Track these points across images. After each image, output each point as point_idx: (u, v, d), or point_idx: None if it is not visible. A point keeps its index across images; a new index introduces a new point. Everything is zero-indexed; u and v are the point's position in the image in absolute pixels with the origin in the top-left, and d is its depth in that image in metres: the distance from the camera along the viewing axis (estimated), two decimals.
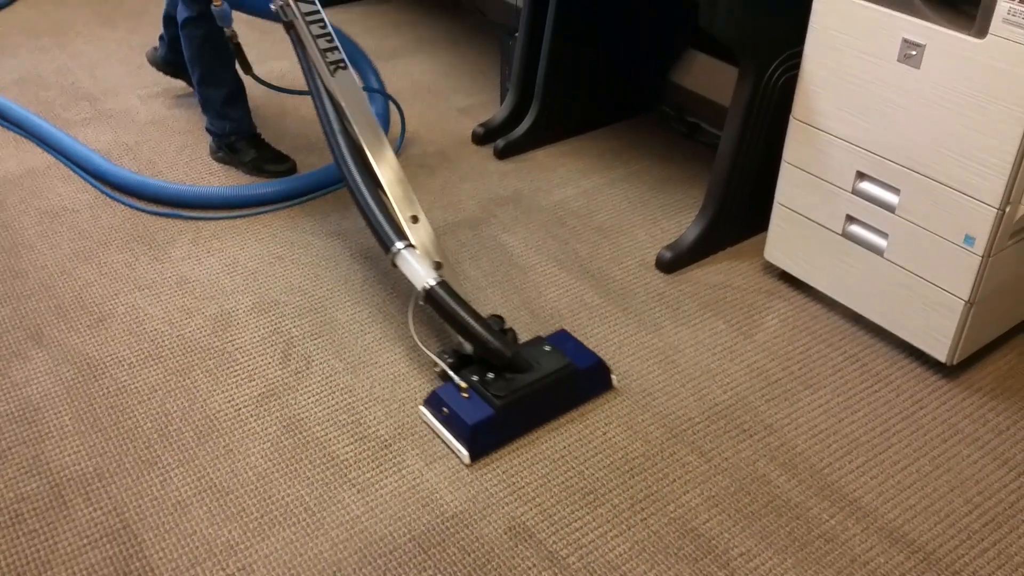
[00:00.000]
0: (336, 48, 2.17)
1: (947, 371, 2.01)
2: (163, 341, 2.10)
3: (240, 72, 2.58)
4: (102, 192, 2.61)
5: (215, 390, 1.97)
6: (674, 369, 2.03)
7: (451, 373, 1.86)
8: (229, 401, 1.94)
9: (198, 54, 2.58)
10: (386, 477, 1.78)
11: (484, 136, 2.87)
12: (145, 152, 2.80)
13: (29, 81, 3.21)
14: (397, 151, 2.78)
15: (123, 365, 2.03)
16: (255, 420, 1.90)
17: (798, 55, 2.00)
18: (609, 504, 1.72)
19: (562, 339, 2.00)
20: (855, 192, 1.98)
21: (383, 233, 1.98)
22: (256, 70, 2.51)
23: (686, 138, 2.91)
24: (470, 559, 1.62)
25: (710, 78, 2.81)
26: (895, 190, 1.90)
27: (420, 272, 1.91)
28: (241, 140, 2.70)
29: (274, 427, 1.88)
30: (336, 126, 2.13)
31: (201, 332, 2.12)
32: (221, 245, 2.42)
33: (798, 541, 1.66)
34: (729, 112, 2.20)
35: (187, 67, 2.67)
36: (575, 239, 2.46)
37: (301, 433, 1.87)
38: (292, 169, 2.70)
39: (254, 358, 2.05)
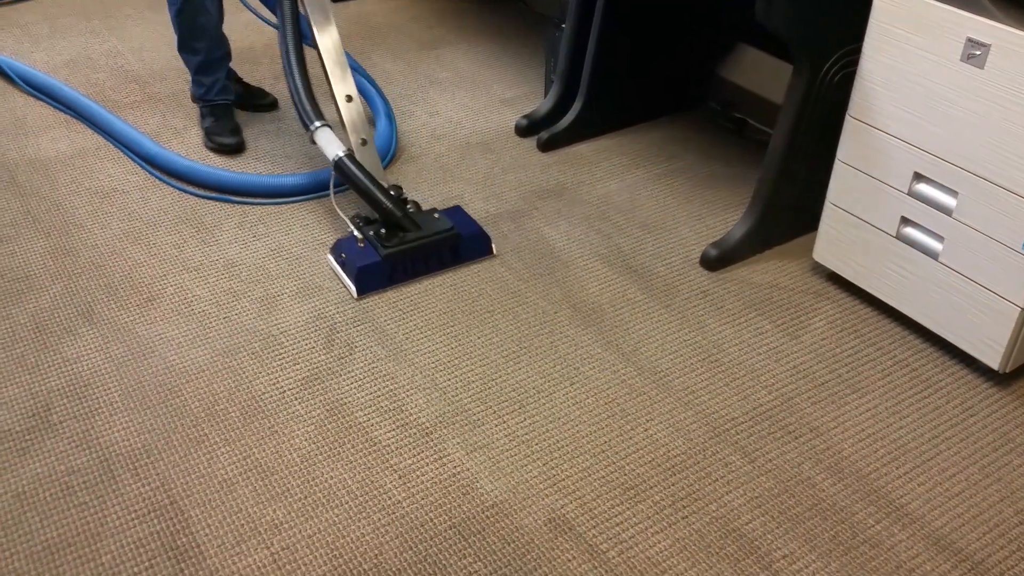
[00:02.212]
0: None
1: (999, 379, 1.98)
2: (210, 322, 2.12)
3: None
4: (151, 174, 2.64)
5: (260, 372, 1.98)
6: (717, 368, 2.02)
7: (353, 228, 2.24)
8: (274, 384, 1.96)
9: (177, 19, 2.68)
10: (427, 464, 1.78)
11: (527, 128, 2.87)
12: (193, 136, 2.83)
13: (80, 63, 3.25)
14: (391, 153, 2.79)
15: (172, 344, 2.05)
16: (299, 403, 1.91)
17: (856, 52, 1.97)
18: (650, 500, 1.72)
19: (453, 211, 2.35)
20: (911, 194, 1.96)
21: (304, 113, 2.30)
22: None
23: (733, 134, 2.88)
24: (510, 549, 1.63)
25: (760, 73, 2.78)
26: (953, 193, 1.87)
27: (332, 147, 2.23)
28: (206, 107, 2.80)
29: (318, 410, 1.89)
30: (287, 8, 2.34)
31: (247, 315, 2.14)
32: (267, 230, 2.43)
33: (843, 545, 1.64)
34: (782, 108, 2.18)
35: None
36: (618, 234, 2.44)
37: (344, 417, 1.88)
38: (239, 146, 2.76)
39: (298, 342, 2.07)
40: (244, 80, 3.00)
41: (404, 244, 2.20)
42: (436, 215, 2.28)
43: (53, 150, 2.75)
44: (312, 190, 2.57)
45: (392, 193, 2.25)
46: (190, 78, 2.84)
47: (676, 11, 2.75)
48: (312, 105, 2.31)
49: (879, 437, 1.85)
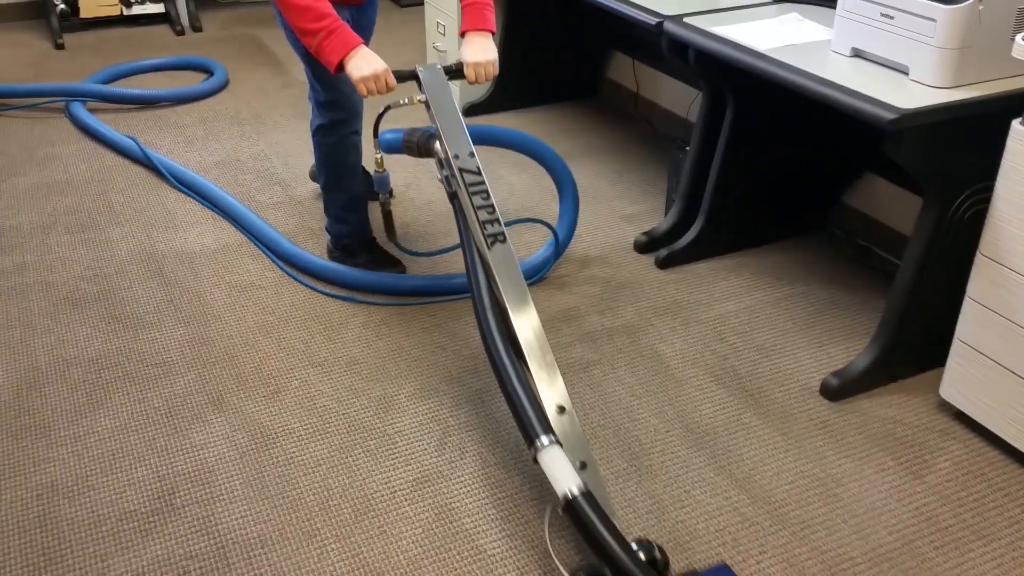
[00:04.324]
0: (497, 220, 2.08)
1: None
2: (330, 417, 2.19)
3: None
4: (285, 272, 2.79)
5: (374, 470, 2.03)
6: (836, 503, 1.95)
7: None
8: (386, 483, 2.00)
9: (325, 161, 2.68)
10: (531, 571, 1.77)
11: (647, 245, 2.91)
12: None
13: (229, 164, 3.50)
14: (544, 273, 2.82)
15: (293, 437, 2.13)
16: (409, 504, 1.94)
17: (989, 189, 1.95)
18: None
19: (718, 573, 1.73)
20: None
21: (529, 424, 1.78)
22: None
23: (856, 262, 2.85)
24: None
25: (886, 202, 2.76)
26: None
27: (563, 476, 1.69)
28: (355, 243, 2.78)
29: (427, 513, 1.92)
30: (487, 301, 1.99)
31: (365, 412, 2.21)
32: (389, 331, 2.53)
33: None
34: (910, 241, 2.15)
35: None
36: (734, 356, 2.43)
37: (452, 523, 1.90)
38: (402, 272, 2.75)
39: (412, 443, 2.12)
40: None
41: None
42: None
43: (199, 244, 2.95)
44: (435, 293, 2.66)
45: (641, 554, 1.65)
46: (327, 223, 2.80)
47: (803, 137, 2.77)
48: (538, 415, 1.79)
49: None
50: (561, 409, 1.85)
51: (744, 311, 2.62)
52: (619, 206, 3.21)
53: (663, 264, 2.83)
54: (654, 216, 3.11)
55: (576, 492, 1.66)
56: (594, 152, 3.62)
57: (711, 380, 2.33)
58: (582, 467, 1.79)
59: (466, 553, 1.83)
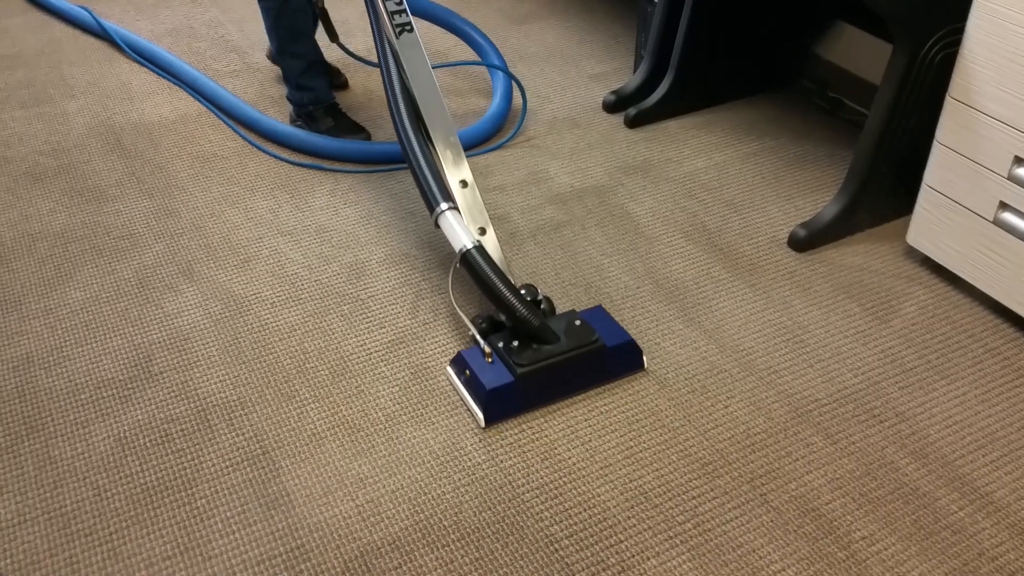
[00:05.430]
0: (404, 11, 2.18)
1: None
2: (302, 284, 2.19)
3: (324, 41, 2.59)
4: (248, 141, 2.73)
5: (349, 333, 2.05)
6: (802, 349, 2.00)
7: (478, 337, 1.89)
8: (361, 345, 2.02)
9: (274, 26, 2.61)
10: (508, 429, 1.82)
11: (615, 104, 2.86)
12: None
13: (182, 32, 3.36)
14: (518, 128, 2.78)
15: (266, 304, 2.13)
16: (385, 365, 1.97)
17: (959, 31, 1.91)
18: (728, 476, 1.72)
19: (596, 315, 1.97)
20: (1010, 178, 1.90)
21: (430, 192, 1.99)
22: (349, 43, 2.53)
23: (827, 114, 2.83)
24: (585, 515, 1.65)
25: (858, 52, 2.71)
26: None
27: (459, 234, 1.91)
28: (319, 109, 2.71)
29: (403, 373, 1.95)
30: (397, 86, 2.14)
31: (337, 279, 2.21)
32: (357, 198, 2.50)
33: (924, 530, 1.62)
34: (880, 88, 2.13)
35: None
36: (704, 212, 2.43)
37: (428, 381, 1.93)
38: (367, 139, 2.71)
39: (385, 307, 2.13)
40: None
41: (542, 360, 1.84)
42: (577, 321, 1.91)
43: (156, 115, 2.87)
44: (402, 160, 2.62)
45: (525, 294, 1.92)
46: (288, 92, 2.74)
47: None
48: (439, 185, 2.00)
49: (967, 424, 1.82)
50: (464, 183, 2.08)
51: (714, 167, 2.61)
52: (587, 65, 3.14)
53: (632, 123, 2.79)
54: (622, 75, 3.06)
55: (469, 246, 1.89)
56: (559, 10, 3.51)
57: (681, 236, 2.34)
58: (481, 232, 2.02)
59: (442, 408, 1.86)
